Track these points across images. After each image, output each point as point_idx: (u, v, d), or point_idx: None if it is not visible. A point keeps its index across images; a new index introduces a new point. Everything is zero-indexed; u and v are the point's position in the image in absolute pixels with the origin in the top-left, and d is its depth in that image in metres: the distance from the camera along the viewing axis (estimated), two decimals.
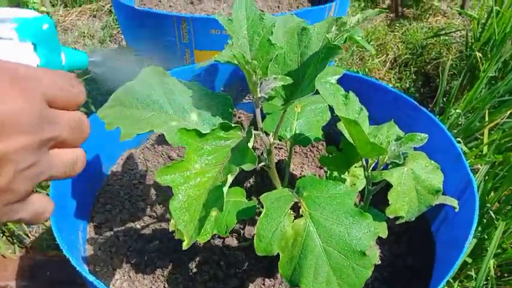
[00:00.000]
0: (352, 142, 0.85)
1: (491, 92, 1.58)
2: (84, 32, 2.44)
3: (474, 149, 1.44)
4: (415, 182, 0.85)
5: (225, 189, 0.62)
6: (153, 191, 1.17)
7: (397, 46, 2.34)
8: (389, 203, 0.83)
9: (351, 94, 0.90)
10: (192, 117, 0.84)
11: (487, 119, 1.51)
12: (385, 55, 2.29)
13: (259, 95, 0.82)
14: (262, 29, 0.87)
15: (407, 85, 2.12)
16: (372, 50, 0.97)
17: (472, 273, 1.18)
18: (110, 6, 2.65)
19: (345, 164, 1.00)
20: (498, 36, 1.83)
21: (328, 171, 1.01)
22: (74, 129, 0.42)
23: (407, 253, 1.04)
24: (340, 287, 0.66)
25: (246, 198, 0.91)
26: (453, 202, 0.89)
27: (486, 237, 1.20)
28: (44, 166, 0.38)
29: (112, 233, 1.07)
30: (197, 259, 1.00)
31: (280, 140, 1.22)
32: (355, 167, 1.02)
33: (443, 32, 2.38)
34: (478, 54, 1.86)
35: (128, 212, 1.11)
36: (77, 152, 0.43)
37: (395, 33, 2.45)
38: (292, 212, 0.72)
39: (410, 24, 2.52)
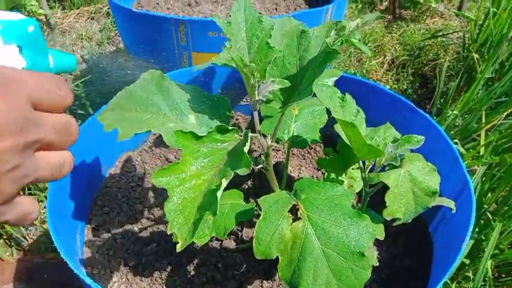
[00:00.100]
0: (349, 144, 0.85)
1: (488, 93, 1.59)
2: (82, 34, 2.44)
3: (471, 150, 1.44)
4: (412, 184, 0.85)
5: (219, 193, 0.62)
6: (151, 194, 1.17)
7: (395, 47, 2.34)
8: (386, 205, 0.83)
9: (348, 96, 0.91)
10: (190, 120, 0.84)
11: (484, 120, 1.52)
12: (382, 56, 2.29)
13: (257, 98, 0.82)
14: (260, 31, 0.87)
15: (405, 86, 2.12)
16: (368, 52, 0.97)
17: (470, 274, 1.18)
18: (108, 9, 2.65)
19: (342, 166, 1.00)
20: (495, 38, 1.84)
21: (326, 173, 1.02)
22: (60, 132, 0.41)
23: (405, 254, 1.05)
24: None
25: (244, 200, 0.92)
26: (450, 204, 0.89)
27: (483, 238, 1.20)
28: (29, 168, 0.38)
29: (110, 235, 1.07)
30: (195, 261, 1.01)
31: (277, 143, 1.22)
32: (353, 168, 1.02)
33: (441, 33, 2.39)
34: (475, 56, 1.87)
35: (126, 215, 1.11)
36: (64, 155, 0.43)
37: (393, 34, 2.46)
38: (290, 215, 0.72)
39: (407, 26, 2.52)
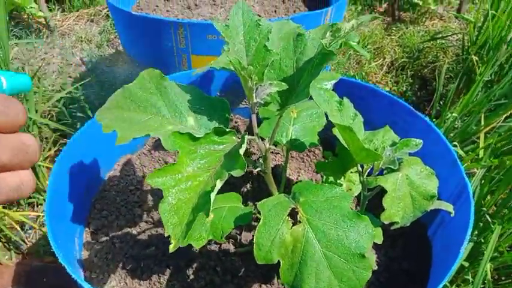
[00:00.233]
0: (347, 148, 0.85)
1: (487, 95, 1.59)
2: (81, 37, 2.44)
3: (470, 152, 1.44)
4: (410, 188, 0.85)
5: (213, 195, 0.62)
6: (149, 197, 1.17)
7: (394, 50, 2.35)
8: (384, 208, 0.83)
9: (345, 100, 0.91)
10: (189, 121, 0.84)
11: (483, 122, 1.51)
12: (382, 59, 2.29)
13: (255, 101, 0.82)
14: (258, 35, 0.88)
15: (404, 88, 2.12)
16: (367, 55, 0.97)
17: (469, 277, 1.18)
18: (107, 11, 2.66)
19: (341, 170, 1.00)
20: (494, 40, 1.84)
21: (325, 177, 1.02)
22: (15, 153, 0.40)
23: (403, 257, 1.04)
24: None
25: (243, 203, 0.92)
26: (448, 207, 0.89)
27: (483, 240, 1.20)
28: None
29: (108, 239, 1.07)
30: (194, 265, 1.00)
31: (276, 146, 1.22)
32: (351, 172, 1.02)
33: (440, 35, 2.39)
34: (475, 58, 1.87)
35: (124, 218, 1.11)
36: (22, 176, 0.42)
37: (392, 36, 2.46)
38: (289, 219, 0.72)
39: (407, 28, 2.53)
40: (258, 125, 0.92)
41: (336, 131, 0.91)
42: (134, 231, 1.09)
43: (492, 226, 1.18)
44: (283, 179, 1.03)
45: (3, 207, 1.45)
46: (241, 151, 0.68)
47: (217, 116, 0.87)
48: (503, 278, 1.25)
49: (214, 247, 1.04)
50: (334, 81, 1.00)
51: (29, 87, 0.76)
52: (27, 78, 0.76)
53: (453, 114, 1.60)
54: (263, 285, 0.97)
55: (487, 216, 1.21)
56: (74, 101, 1.86)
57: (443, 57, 2.25)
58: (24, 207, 1.51)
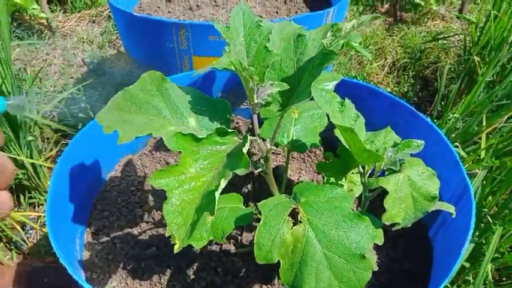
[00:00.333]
0: (348, 148, 0.85)
1: (489, 96, 1.58)
2: (83, 38, 2.44)
3: (472, 153, 1.44)
4: (412, 189, 0.85)
5: (217, 194, 0.62)
6: (150, 198, 1.17)
7: (396, 50, 2.34)
8: (386, 209, 0.83)
9: (347, 101, 0.90)
10: (190, 122, 0.84)
11: (484, 123, 1.51)
12: (383, 59, 2.29)
13: (256, 101, 0.82)
14: (259, 36, 0.88)
15: (406, 89, 2.12)
16: (368, 56, 0.97)
17: (470, 278, 1.18)
18: (109, 12, 2.66)
19: (342, 170, 1.00)
20: (496, 41, 1.84)
21: (326, 178, 1.02)
22: None
23: (405, 258, 1.04)
24: None
25: (244, 204, 0.92)
26: (450, 208, 0.89)
27: (484, 241, 1.19)
28: None
29: (109, 239, 1.07)
30: (194, 265, 1.00)
31: (277, 146, 1.22)
32: (353, 173, 1.02)
33: (442, 36, 2.39)
34: (476, 58, 1.87)
35: (125, 219, 1.11)
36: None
37: (394, 37, 2.45)
38: (290, 219, 0.72)
39: (408, 29, 2.52)
40: (259, 126, 0.92)
41: (337, 132, 0.91)
42: (135, 231, 1.09)
43: (493, 227, 1.17)
44: (284, 179, 1.03)
45: None
46: (245, 150, 0.68)
47: (219, 116, 0.87)
48: (504, 279, 1.25)
49: (215, 248, 1.04)
50: (335, 82, 1.00)
51: (4, 109, 0.77)
52: (2, 100, 0.76)
53: (455, 115, 1.60)
54: (264, 286, 0.97)
55: (488, 217, 1.21)
56: (75, 101, 1.86)
57: (445, 57, 2.24)
58: (25, 208, 1.51)
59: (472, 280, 1.17)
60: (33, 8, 2.38)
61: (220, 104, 0.89)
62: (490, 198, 1.28)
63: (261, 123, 1.02)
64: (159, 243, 1.05)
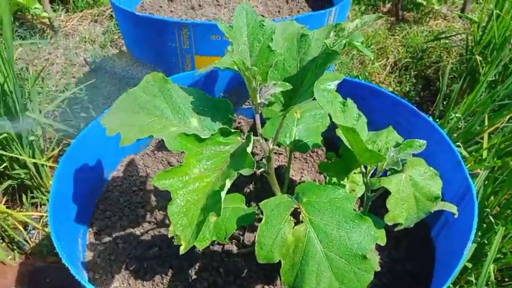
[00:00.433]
0: (350, 149, 0.85)
1: (491, 95, 1.58)
2: (85, 37, 2.44)
3: (474, 153, 1.43)
4: (414, 189, 0.85)
5: (223, 194, 0.62)
6: (153, 198, 1.17)
7: (398, 50, 2.34)
8: (388, 210, 0.83)
9: (349, 101, 0.90)
10: (193, 123, 0.84)
11: (486, 123, 1.51)
12: (385, 59, 2.29)
13: (258, 101, 0.82)
14: (262, 35, 0.88)
15: (407, 89, 2.12)
16: (370, 55, 0.97)
17: (472, 278, 1.17)
18: (111, 11, 2.66)
19: (344, 170, 1.00)
20: (498, 40, 1.83)
21: (328, 178, 1.01)
22: None
23: (407, 259, 1.04)
24: None
25: (246, 204, 0.92)
26: (452, 208, 0.89)
27: (486, 242, 1.19)
28: None
29: (111, 239, 1.07)
30: (197, 266, 1.00)
31: (279, 146, 1.22)
32: (355, 173, 1.02)
33: (444, 35, 2.38)
34: (478, 58, 1.87)
35: (128, 219, 1.11)
36: None
37: (396, 36, 2.45)
38: (292, 219, 0.72)
39: (410, 28, 2.52)
40: (262, 126, 0.92)
41: (339, 132, 0.91)
42: (137, 231, 1.09)
43: (495, 227, 1.17)
44: (286, 179, 1.03)
45: (7, 207, 1.45)
46: (249, 150, 0.68)
47: (221, 117, 0.87)
48: (506, 280, 1.24)
49: (217, 248, 1.04)
50: (337, 82, 1.00)
51: None
52: None
53: (457, 115, 1.59)
54: (266, 286, 0.97)
55: (491, 217, 1.21)
56: (77, 101, 1.87)
57: (447, 57, 2.24)
58: (28, 208, 1.51)
59: (474, 281, 1.17)
60: (36, 8, 2.38)
61: (223, 104, 0.88)
62: (492, 198, 1.27)
63: (263, 123, 1.01)
64: (161, 243, 1.05)
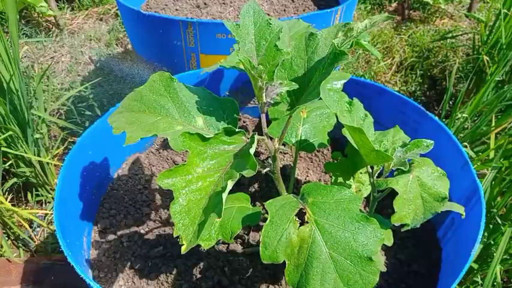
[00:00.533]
0: (357, 148, 0.84)
1: (498, 96, 1.57)
2: (90, 35, 2.45)
3: (481, 153, 1.43)
4: (421, 189, 0.84)
5: (225, 195, 0.62)
6: (157, 196, 1.17)
7: (403, 49, 2.33)
8: (395, 210, 0.82)
9: (355, 100, 0.90)
10: (198, 122, 0.84)
11: (493, 123, 1.50)
12: (391, 58, 2.28)
13: (264, 100, 0.81)
14: (269, 34, 0.87)
15: (413, 88, 2.11)
16: (378, 55, 0.96)
17: (478, 279, 1.17)
18: (117, 10, 2.66)
19: (350, 170, 0.99)
20: (506, 40, 1.82)
21: (333, 177, 1.01)
22: None
23: (413, 259, 1.03)
24: None
25: (251, 203, 0.91)
26: (459, 209, 0.88)
27: (492, 242, 1.19)
28: None
29: (116, 238, 1.07)
30: (201, 265, 1.00)
31: (284, 146, 1.21)
32: (361, 173, 1.01)
33: (450, 35, 2.37)
34: (485, 58, 1.85)
35: (133, 218, 1.11)
36: None
37: (402, 36, 2.44)
38: (297, 219, 0.72)
39: (416, 27, 2.51)
40: (267, 125, 0.92)
41: (345, 132, 0.90)
42: (142, 230, 1.09)
43: (502, 228, 1.16)
44: (291, 179, 1.03)
45: (12, 205, 1.45)
46: (252, 151, 0.67)
47: (226, 116, 0.86)
48: None
49: (222, 247, 1.04)
50: (344, 81, 0.99)
51: None
52: None
53: (463, 115, 1.58)
54: (271, 286, 0.97)
55: (497, 218, 1.20)
56: (82, 99, 1.87)
57: (453, 56, 2.23)
58: (33, 205, 1.51)
59: (480, 281, 1.16)
60: (41, 6, 2.38)
61: (228, 103, 0.88)
62: (498, 199, 1.27)
63: (268, 122, 1.01)
64: (166, 242, 1.05)
